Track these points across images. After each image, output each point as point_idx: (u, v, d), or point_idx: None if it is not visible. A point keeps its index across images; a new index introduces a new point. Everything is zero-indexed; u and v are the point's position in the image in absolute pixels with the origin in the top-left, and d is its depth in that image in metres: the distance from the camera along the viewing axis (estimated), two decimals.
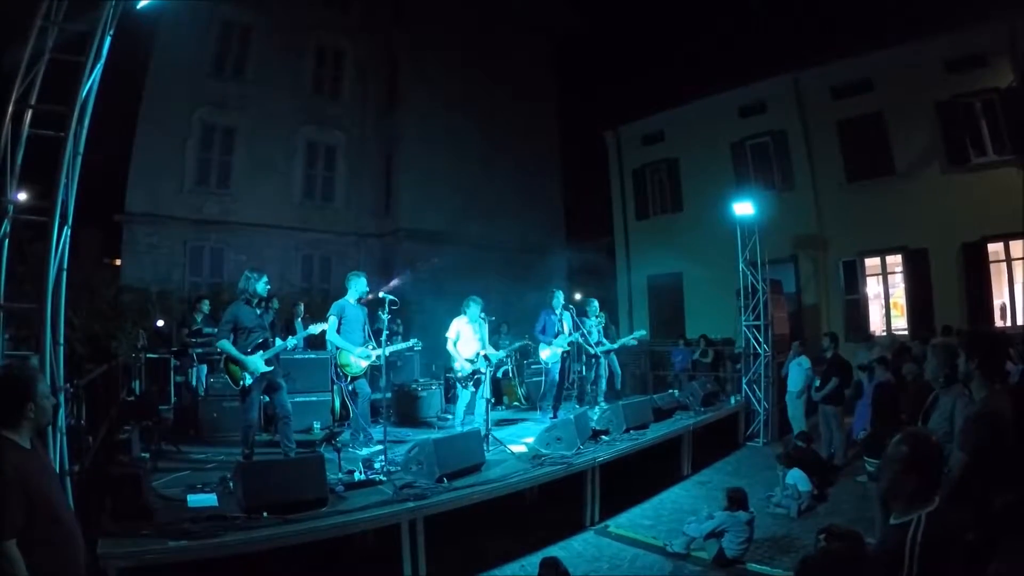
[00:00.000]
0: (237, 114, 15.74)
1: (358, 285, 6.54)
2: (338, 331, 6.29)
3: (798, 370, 8.96)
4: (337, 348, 6.37)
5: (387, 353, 6.16)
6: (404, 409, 8.35)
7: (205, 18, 14.81)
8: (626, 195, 18.71)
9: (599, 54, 25.04)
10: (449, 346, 7.21)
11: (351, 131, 17.71)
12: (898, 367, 7.51)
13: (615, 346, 9.15)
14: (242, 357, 5.40)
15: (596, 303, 9.25)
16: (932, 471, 2.08)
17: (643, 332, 9.75)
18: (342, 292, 6.73)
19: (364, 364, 6.37)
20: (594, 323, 8.97)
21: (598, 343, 8.83)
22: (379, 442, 5.86)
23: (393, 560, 4.34)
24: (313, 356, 7.73)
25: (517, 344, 8.85)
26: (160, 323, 11.49)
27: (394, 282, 9.52)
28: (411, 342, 7.02)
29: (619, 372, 9.12)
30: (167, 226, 14.78)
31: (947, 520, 2.02)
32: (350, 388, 6.48)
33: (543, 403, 8.48)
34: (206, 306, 9.63)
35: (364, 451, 6.07)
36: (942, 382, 3.51)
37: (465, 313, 7.26)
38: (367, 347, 6.35)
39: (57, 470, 3.30)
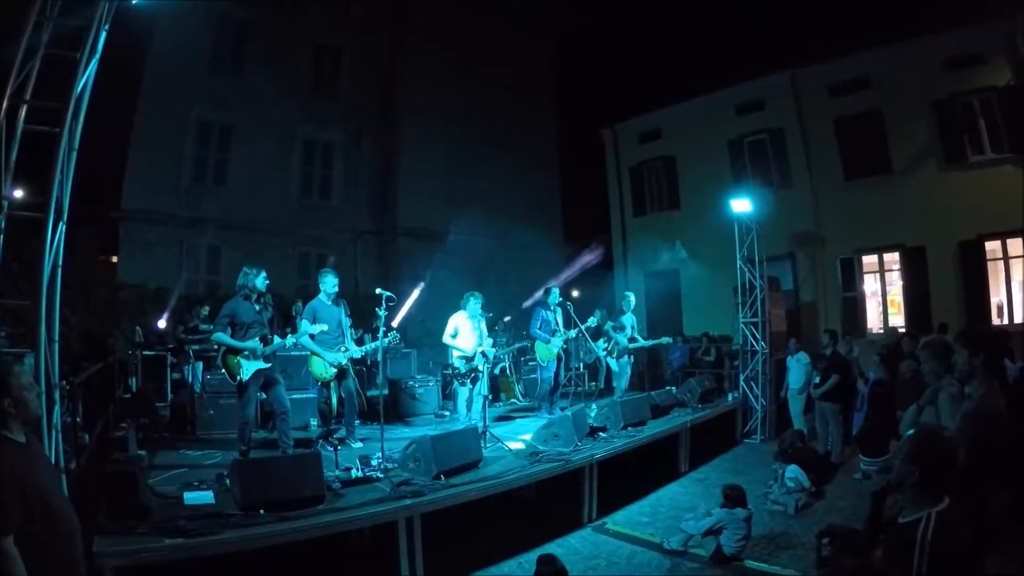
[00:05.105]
0: (234, 112, 15.63)
1: (327, 283, 6.36)
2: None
3: (798, 366, 8.98)
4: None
5: (370, 351, 6.15)
6: (400, 406, 8.34)
7: (202, 15, 14.68)
8: (623, 192, 18.72)
9: (597, 52, 24.89)
10: (446, 338, 7.14)
11: (349, 129, 17.61)
12: (895, 364, 7.50)
13: (648, 344, 9.21)
14: (239, 343, 5.38)
15: (632, 296, 9.29)
16: (938, 467, 2.06)
17: (668, 339, 9.99)
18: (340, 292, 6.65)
19: (333, 368, 6.19)
20: (631, 319, 9.08)
21: (632, 339, 8.92)
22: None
23: (390, 557, 4.34)
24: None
25: (516, 346, 8.84)
26: (162, 324, 11.39)
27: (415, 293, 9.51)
28: (390, 336, 6.35)
29: (628, 373, 9.17)
30: (164, 224, 14.71)
31: (957, 520, 2.01)
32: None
33: (539, 400, 8.48)
34: (205, 311, 9.66)
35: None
36: (935, 378, 3.54)
37: (464, 308, 7.21)
38: (339, 348, 6.21)
39: None
